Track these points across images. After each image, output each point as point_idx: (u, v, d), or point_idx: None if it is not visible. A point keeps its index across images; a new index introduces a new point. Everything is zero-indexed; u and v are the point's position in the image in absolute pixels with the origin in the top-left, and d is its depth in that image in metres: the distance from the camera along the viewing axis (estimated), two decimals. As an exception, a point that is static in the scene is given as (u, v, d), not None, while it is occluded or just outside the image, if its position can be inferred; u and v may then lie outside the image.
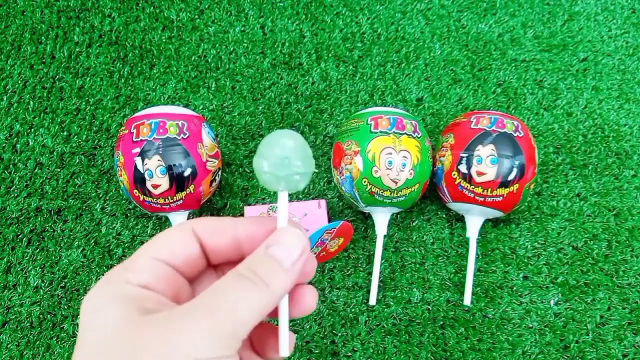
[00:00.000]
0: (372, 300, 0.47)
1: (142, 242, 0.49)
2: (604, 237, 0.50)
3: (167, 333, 0.19)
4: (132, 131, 0.44)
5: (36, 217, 0.50)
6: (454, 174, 0.45)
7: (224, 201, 0.51)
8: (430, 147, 0.47)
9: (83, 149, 0.53)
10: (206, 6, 0.60)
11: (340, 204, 0.51)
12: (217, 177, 0.47)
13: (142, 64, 0.57)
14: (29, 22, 0.59)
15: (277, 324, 0.24)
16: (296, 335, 0.46)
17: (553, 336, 0.46)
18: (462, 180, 0.45)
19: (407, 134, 0.45)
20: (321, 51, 0.58)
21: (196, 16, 0.60)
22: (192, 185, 0.44)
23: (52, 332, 0.46)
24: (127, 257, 0.51)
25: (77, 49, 0.58)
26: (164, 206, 0.44)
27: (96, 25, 0.59)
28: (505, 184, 0.44)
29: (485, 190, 0.44)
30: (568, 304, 0.47)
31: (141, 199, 0.44)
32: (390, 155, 0.44)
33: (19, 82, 0.56)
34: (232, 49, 0.58)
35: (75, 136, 0.54)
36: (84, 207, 0.51)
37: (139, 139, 0.43)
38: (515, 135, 0.45)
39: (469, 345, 0.46)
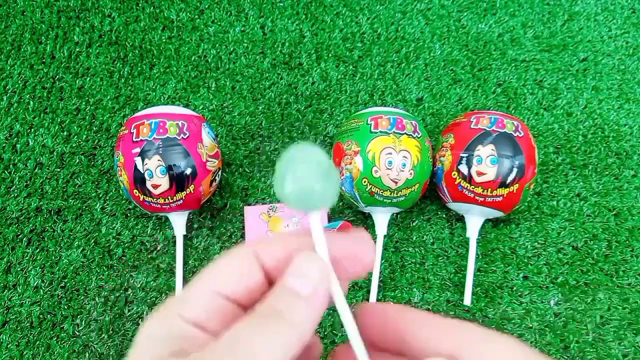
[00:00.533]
0: (373, 300, 0.47)
1: (142, 242, 0.49)
2: (604, 237, 0.50)
3: None
4: (132, 131, 0.44)
5: (36, 217, 0.50)
6: (454, 174, 0.45)
7: (224, 201, 0.51)
8: (430, 147, 0.47)
9: (83, 149, 0.53)
10: (206, 6, 0.60)
11: (340, 204, 0.51)
12: (217, 177, 0.47)
13: (142, 64, 0.57)
14: (29, 22, 0.59)
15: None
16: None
17: (553, 336, 0.46)
18: (462, 180, 0.45)
19: (407, 134, 0.45)
20: (321, 51, 0.58)
21: (196, 16, 0.60)
22: (192, 185, 0.44)
23: (52, 332, 0.46)
24: (127, 257, 0.51)
25: (77, 49, 0.58)
26: (164, 206, 0.44)
27: (96, 25, 0.59)
28: (505, 184, 0.44)
29: (485, 190, 0.44)
30: (568, 304, 0.47)
31: (141, 199, 0.44)
32: (390, 155, 0.44)
33: (19, 82, 0.56)
34: (232, 49, 0.58)
35: (75, 136, 0.54)
36: (84, 207, 0.51)
37: (139, 139, 0.43)
38: (515, 135, 0.45)
39: (469, 345, 0.46)
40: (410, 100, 0.56)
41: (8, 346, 0.46)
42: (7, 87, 0.56)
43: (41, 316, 0.47)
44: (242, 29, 0.59)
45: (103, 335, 0.46)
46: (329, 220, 0.49)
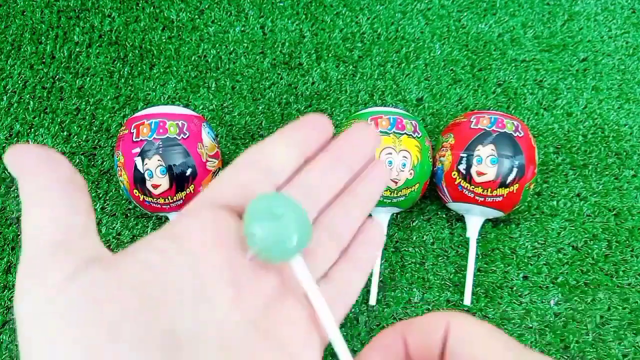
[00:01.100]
0: (372, 300, 0.47)
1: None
2: (604, 237, 0.50)
3: None
4: (132, 131, 0.44)
5: (36, 217, 0.50)
6: (454, 174, 0.45)
7: (224, 201, 0.51)
8: (430, 147, 0.47)
9: (83, 149, 0.53)
10: (206, 6, 0.60)
11: (340, 204, 0.51)
12: (217, 177, 0.47)
13: (142, 64, 0.57)
14: (29, 22, 0.59)
15: None
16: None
17: (553, 336, 0.46)
18: (462, 180, 0.45)
19: (407, 134, 0.45)
20: (321, 51, 0.58)
21: (196, 16, 0.60)
22: (192, 185, 0.44)
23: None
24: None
25: (77, 49, 0.58)
26: (164, 206, 0.44)
27: (96, 25, 0.59)
28: (505, 184, 0.44)
29: (485, 190, 0.44)
30: (568, 304, 0.47)
31: (141, 199, 0.44)
32: (390, 155, 0.44)
33: (19, 82, 0.56)
34: (232, 49, 0.58)
35: (75, 136, 0.54)
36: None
37: (139, 139, 0.43)
38: (515, 135, 0.45)
39: (469, 345, 0.46)
40: (410, 100, 0.56)
41: (8, 346, 0.46)
42: (7, 87, 0.56)
43: (41, 316, 0.47)
44: (242, 29, 0.59)
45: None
46: None
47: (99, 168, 0.52)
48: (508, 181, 0.44)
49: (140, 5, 0.60)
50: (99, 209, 0.51)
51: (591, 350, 0.46)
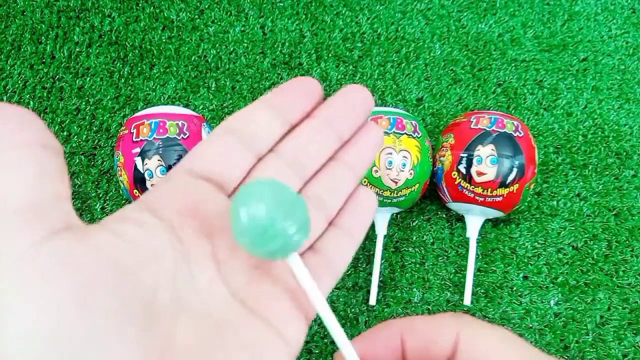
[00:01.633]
0: (372, 300, 0.47)
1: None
2: (604, 237, 0.50)
3: None
4: (132, 131, 0.44)
5: (36, 217, 0.50)
6: (454, 174, 0.45)
7: (224, 201, 0.51)
8: (430, 147, 0.47)
9: (83, 149, 0.53)
10: (206, 6, 0.60)
11: (340, 204, 0.51)
12: (217, 177, 0.47)
13: (142, 64, 0.57)
14: (29, 22, 0.59)
15: None
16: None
17: (553, 336, 0.46)
18: (462, 180, 0.45)
19: (407, 134, 0.45)
20: (321, 51, 0.58)
21: (196, 16, 0.60)
22: (192, 185, 0.44)
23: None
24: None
25: (77, 49, 0.58)
26: (164, 206, 0.44)
27: (96, 25, 0.59)
28: (505, 184, 0.44)
29: (485, 190, 0.44)
30: (568, 304, 0.47)
31: (141, 199, 0.44)
32: (390, 155, 0.44)
33: (19, 82, 0.56)
34: (232, 49, 0.58)
35: (75, 136, 0.54)
36: (84, 207, 0.51)
37: (139, 139, 0.43)
38: (515, 135, 0.45)
39: (469, 345, 0.46)
40: (410, 100, 0.56)
41: (8, 346, 0.46)
42: (7, 87, 0.56)
43: (41, 316, 0.47)
44: (242, 29, 0.59)
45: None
46: None
47: (99, 168, 0.52)
48: (508, 181, 0.44)
49: (140, 5, 0.60)
50: (99, 209, 0.51)
51: (591, 350, 0.46)
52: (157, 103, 0.55)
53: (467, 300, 0.46)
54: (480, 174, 0.44)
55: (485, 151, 0.44)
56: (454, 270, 0.49)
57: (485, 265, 0.49)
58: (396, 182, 0.44)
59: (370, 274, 0.48)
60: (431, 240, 0.50)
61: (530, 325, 0.46)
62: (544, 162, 0.53)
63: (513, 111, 0.55)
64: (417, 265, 0.49)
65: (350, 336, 0.46)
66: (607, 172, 0.53)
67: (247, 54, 0.58)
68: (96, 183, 0.52)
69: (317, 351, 0.46)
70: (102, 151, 0.53)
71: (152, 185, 0.43)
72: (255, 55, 0.58)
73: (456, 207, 0.47)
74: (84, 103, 0.55)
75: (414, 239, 0.50)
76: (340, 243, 0.23)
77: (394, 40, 0.59)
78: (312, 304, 0.20)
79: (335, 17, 0.60)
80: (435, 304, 0.47)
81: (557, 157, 0.53)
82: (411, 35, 0.59)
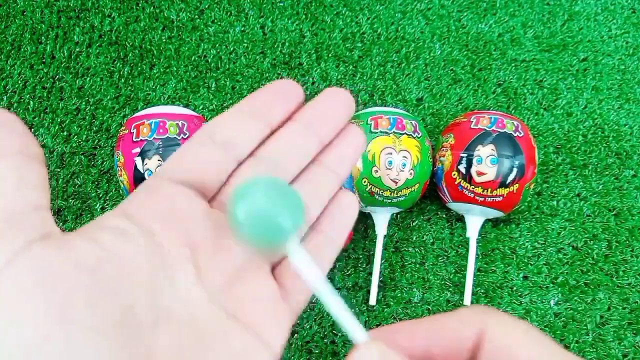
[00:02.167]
0: (372, 300, 0.47)
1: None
2: (604, 237, 0.50)
3: None
4: (132, 131, 0.44)
5: (36, 217, 0.50)
6: (454, 174, 0.45)
7: (224, 201, 0.51)
8: (430, 147, 0.47)
9: (83, 149, 0.53)
10: (206, 6, 0.60)
11: (340, 204, 0.51)
12: (217, 177, 0.47)
13: (142, 64, 0.57)
14: (29, 22, 0.59)
15: None
16: (296, 335, 0.46)
17: (553, 336, 0.46)
18: (462, 180, 0.45)
19: (407, 134, 0.45)
20: (321, 51, 0.58)
21: (196, 16, 0.60)
22: (192, 185, 0.44)
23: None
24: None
25: (77, 49, 0.58)
26: (164, 206, 0.44)
27: (96, 25, 0.59)
28: (505, 184, 0.44)
29: (485, 190, 0.44)
30: (568, 304, 0.47)
31: (141, 199, 0.44)
32: (390, 155, 0.44)
33: (19, 82, 0.56)
34: (232, 49, 0.58)
35: (75, 136, 0.54)
36: (84, 207, 0.51)
37: (139, 139, 0.43)
38: (515, 135, 0.45)
39: (469, 345, 0.46)
40: (410, 100, 0.56)
41: (8, 346, 0.46)
42: (7, 87, 0.56)
43: (41, 316, 0.47)
44: (242, 29, 0.59)
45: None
46: None
47: (99, 168, 0.52)
48: (508, 181, 0.44)
49: (140, 5, 0.60)
50: (99, 209, 0.51)
51: (591, 350, 0.46)
52: (157, 103, 0.55)
53: (467, 300, 0.46)
54: (480, 174, 0.44)
55: (485, 151, 0.44)
56: (454, 270, 0.49)
57: (485, 265, 0.49)
58: (396, 182, 0.44)
59: (370, 274, 0.48)
60: (431, 240, 0.50)
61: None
62: (544, 162, 0.53)
63: (513, 111, 0.55)
64: (417, 265, 0.49)
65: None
66: (607, 172, 0.53)
67: (247, 54, 0.58)
68: (96, 183, 0.52)
69: (317, 351, 0.46)
70: (102, 151, 0.53)
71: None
72: (255, 55, 0.58)
73: (456, 207, 0.47)
74: (84, 103, 0.55)
75: (414, 239, 0.50)
76: (321, 248, 0.23)
77: (394, 40, 0.59)
78: (315, 291, 0.20)
79: (335, 17, 0.60)
80: (435, 304, 0.47)
81: (557, 157, 0.53)
82: (411, 35, 0.59)
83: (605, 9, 0.61)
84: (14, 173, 0.17)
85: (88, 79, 0.56)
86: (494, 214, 0.46)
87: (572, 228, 0.50)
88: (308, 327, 0.46)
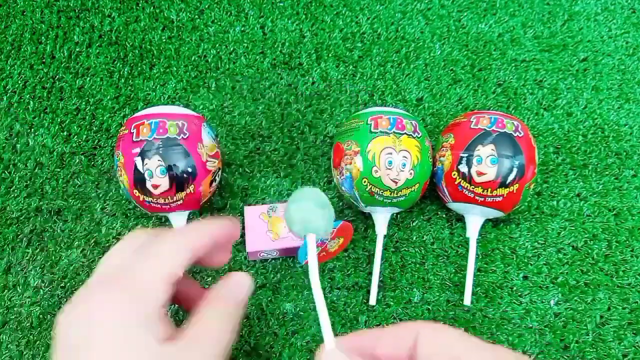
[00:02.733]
0: (372, 300, 0.47)
1: (142, 242, 0.49)
2: (604, 237, 0.50)
3: None
4: (132, 131, 0.44)
5: (36, 217, 0.50)
6: (454, 174, 0.45)
7: (224, 201, 0.51)
8: (430, 147, 0.47)
9: (83, 149, 0.53)
10: (206, 6, 0.60)
11: (341, 203, 0.51)
12: (217, 177, 0.47)
13: (142, 64, 0.57)
14: (29, 22, 0.59)
15: None
16: (296, 335, 0.46)
17: (553, 336, 0.46)
18: (462, 180, 0.45)
19: (407, 134, 0.45)
20: (321, 51, 0.58)
21: (196, 16, 0.60)
22: (192, 186, 0.44)
23: (52, 332, 0.46)
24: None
25: (77, 49, 0.58)
26: (164, 206, 0.44)
27: (96, 25, 0.59)
28: (505, 184, 0.44)
29: (485, 190, 0.44)
30: (568, 304, 0.47)
31: (141, 199, 0.44)
32: (390, 155, 0.44)
33: (19, 82, 0.56)
34: (232, 49, 0.58)
35: (75, 136, 0.54)
36: (84, 207, 0.51)
37: (139, 139, 0.43)
38: (515, 135, 0.45)
39: (469, 345, 0.46)
40: (410, 100, 0.56)
41: (8, 346, 0.46)
42: (7, 87, 0.56)
43: (41, 316, 0.47)
44: (242, 29, 0.59)
45: (103, 335, 0.46)
46: None
47: (99, 168, 0.52)
48: (508, 181, 0.44)
49: (140, 5, 0.60)
50: (99, 209, 0.51)
51: (591, 350, 0.46)
52: (157, 103, 0.55)
53: (467, 300, 0.46)
54: (480, 174, 0.44)
55: (485, 151, 0.44)
56: (454, 270, 0.49)
57: (485, 265, 0.49)
58: (396, 182, 0.44)
59: (370, 274, 0.48)
60: (431, 240, 0.50)
61: (530, 325, 0.46)
62: (544, 162, 0.53)
63: (513, 111, 0.55)
64: (417, 265, 0.49)
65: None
66: (607, 172, 0.53)
67: (247, 54, 0.58)
68: (96, 183, 0.52)
69: (317, 351, 0.46)
70: (102, 151, 0.53)
71: (152, 185, 0.43)
72: (255, 55, 0.58)
73: (456, 207, 0.47)
74: (84, 103, 0.55)
75: (414, 239, 0.50)
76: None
77: (394, 40, 0.59)
78: (310, 278, 0.27)
79: (335, 17, 0.60)
80: (435, 304, 0.47)
81: (557, 157, 0.53)
82: (411, 35, 0.59)
83: (605, 9, 0.61)
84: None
85: (88, 79, 0.56)
86: (494, 214, 0.46)
87: (572, 228, 0.50)
88: (308, 327, 0.46)
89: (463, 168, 0.45)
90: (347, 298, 0.48)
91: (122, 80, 0.56)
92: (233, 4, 0.60)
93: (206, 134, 0.45)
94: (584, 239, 0.50)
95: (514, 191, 0.44)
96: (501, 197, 0.44)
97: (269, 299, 0.47)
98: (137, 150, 0.43)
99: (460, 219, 0.50)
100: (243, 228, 0.47)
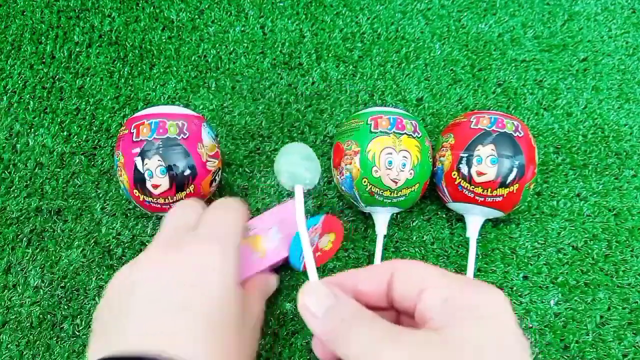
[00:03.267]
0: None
1: (142, 242, 0.49)
2: (604, 237, 0.50)
3: None
4: (132, 131, 0.44)
5: (36, 217, 0.50)
6: (454, 174, 0.45)
7: (224, 201, 0.51)
8: (430, 147, 0.47)
9: (83, 149, 0.53)
10: (206, 6, 0.60)
11: (340, 203, 0.51)
12: (217, 177, 0.47)
13: (142, 64, 0.57)
14: (29, 22, 0.59)
15: None
16: (296, 335, 0.46)
17: (553, 336, 0.46)
18: (462, 180, 0.45)
19: (407, 134, 0.45)
20: (321, 51, 0.58)
21: (196, 16, 0.60)
22: (192, 186, 0.44)
23: (52, 332, 0.46)
24: (127, 257, 0.51)
25: (77, 49, 0.58)
26: (164, 206, 0.44)
27: (96, 25, 0.59)
28: (505, 184, 0.44)
29: (485, 190, 0.44)
30: (568, 304, 0.47)
31: (141, 199, 0.44)
32: (390, 155, 0.44)
33: (19, 82, 0.56)
34: (232, 49, 0.58)
35: (75, 136, 0.54)
36: (84, 207, 0.51)
37: (139, 139, 0.43)
38: (515, 135, 0.45)
39: (469, 345, 0.46)
40: (410, 100, 0.56)
41: (8, 346, 0.46)
42: (7, 87, 0.56)
43: (41, 316, 0.47)
44: (242, 29, 0.59)
45: (103, 335, 0.46)
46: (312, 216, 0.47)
47: (99, 168, 0.52)
48: (508, 181, 0.44)
49: (140, 5, 0.60)
50: (99, 209, 0.51)
51: (591, 350, 0.46)
52: (157, 103, 0.55)
53: (467, 300, 0.46)
54: (480, 174, 0.44)
55: (485, 151, 0.44)
56: (454, 270, 0.49)
57: (485, 265, 0.49)
58: (396, 182, 0.44)
59: (370, 274, 0.48)
60: (431, 240, 0.50)
61: (531, 325, 0.46)
62: (544, 162, 0.53)
63: (513, 111, 0.55)
64: (417, 265, 0.49)
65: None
66: (607, 172, 0.53)
67: (247, 54, 0.58)
68: (96, 183, 0.52)
69: (317, 351, 0.46)
70: (102, 151, 0.53)
71: (152, 185, 0.43)
72: (255, 55, 0.58)
73: (456, 207, 0.47)
74: (84, 103, 0.55)
75: (414, 239, 0.50)
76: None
77: (394, 40, 0.59)
78: (297, 223, 0.32)
79: (335, 17, 0.60)
80: (435, 304, 0.47)
81: (557, 157, 0.53)
82: (411, 35, 0.59)
83: (605, 9, 0.61)
84: None
85: (88, 79, 0.56)
86: (494, 214, 0.46)
87: (572, 228, 0.50)
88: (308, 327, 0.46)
89: (463, 168, 0.45)
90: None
91: (122, 80, 0.56)
92: (233, 4, 0.60)
93: (206, 134, 0.45)
94: (584, 239, 0.50)
95: (514, 191, 0.44)
96: (501, 197, 0.44)
97: (269, 298, 0.47)
98: (137, 150, 0.43)
99: (460, 219, 0.50)
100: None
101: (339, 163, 0.46)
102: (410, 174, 0.44)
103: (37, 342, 0.46)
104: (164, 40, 0.58)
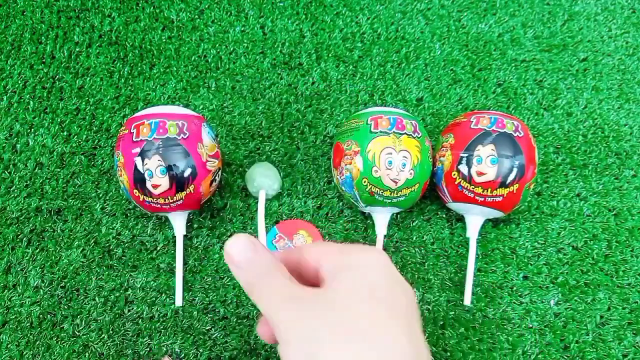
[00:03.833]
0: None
1: (142, 242, 0.49)
2: (604, 237, 0.50)
3: None
4: (132, 131, 0.44)
5: (36, 217, 0.50)
6: (454, 174, 0.45)
7: (224, 201, 0.51)
8: (430, 147, 0.47)
9: (83, 149, 0.53)
10: (206, 6, 0.60)
11: (340, 203, 0.51)
12: (217, 177, 0.47)
13: (142, 64, 0.57)
14: (29, 22, 0.59)
15: None
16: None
17: (553, 336, 0.46)
18: (462, 180, 0.45)
19: (407, 134, 0.45)
20: (321, 51, 0.58)
21: (196, 16, 0.60)
22: (192, 186, 0.44)
23: (52, 332, 0.46)
24: (127, 257, 0.50)
25: (77, 49, 0.58)
26: (164, 206, 0.44)
27: (96, 25, 0.59)
28: (505, 184, 0.44)
29: (485, 190, 0.44)
30: (568, 304, 0.47)
31: (141, 199, 0.44)
32: (390, 155, 0.44)
33: (19, 82, 0.56)
34: (232, 49, 0.58)
35: (75, 136, 0.54)
36: (84, 207, 0.51)
37: (139, 139, 0.43)
38: (515, 135, 0.45)
39: (469, 346, 0.46)
40: (410, 100, 0.56)
41: (8, 346, 0.46)
42: (7, 87, 0.56)
43: (41, 316, 0.47)
44: (242, 29, 0.59)
45: (103, 335, 0.46)
46: (267, 230, 0.49)
47: (99, 168, 0.52)
48: (508, 181, 0.44)
49: (140, 5, 0.60)
50: (99, 209, 0.51)
51: (591, 350, 0.46)
52: (157, 103, 0.55)
53: (467, 300, 0.46)
54: (480, 174, 0.44)
55: (485, 151, 0.44)
56: (454, 270, 0.49)
57: (485, 265, 0.49)
58: (396, 182, 0.44)
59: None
60: (431, 240, 0.50)
61: (530, 325, 0.46)
62: (544, 162, 0.53)
63: (513, 111, 0.55)
64: (417, 265, 0.49)
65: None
66: (607, 172, 0.53)
67: (247, 54, 0.58)
68: (96, 183, 0.52)
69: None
70: (102, 151, 0.53)
71: (152, 185, 0.43)
72: (255, 55, 0.58)
73: (456, 207, 0.47)
74: (84, 103, 0.55)
75: (414, 239, 0.50)
76: None
77: (394, 40, 0.59)
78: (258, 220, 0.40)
79: (335, 17, 0.60)
80: (435, 304, 0.47)
81: (557, 157, 0.53)
82: (411, 35, 0.59)
83: (605, 9, 0.61)
84: None
85: (88, 79, 0.56)
86: (494, 214, 0.46)
87: (572, 228, 0.50)
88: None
89: (463, 168, 0.45)
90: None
91: (122, 80, 0.56)
92: (233, 4, 0.60)
93: (206, 134, 0.45)
94: (584, 239, 0.50)
95: (514, 191, 0.44)
96: (501, 197, 0.44)
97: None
98: (137, 150, 0.43)
99: (460, 219, 0.50)
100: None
101: (339, 163, 0.46)
102: (410, 174, 0.44)
103: (37, 342, 0.46)
104: (164, 40, 0.58)
